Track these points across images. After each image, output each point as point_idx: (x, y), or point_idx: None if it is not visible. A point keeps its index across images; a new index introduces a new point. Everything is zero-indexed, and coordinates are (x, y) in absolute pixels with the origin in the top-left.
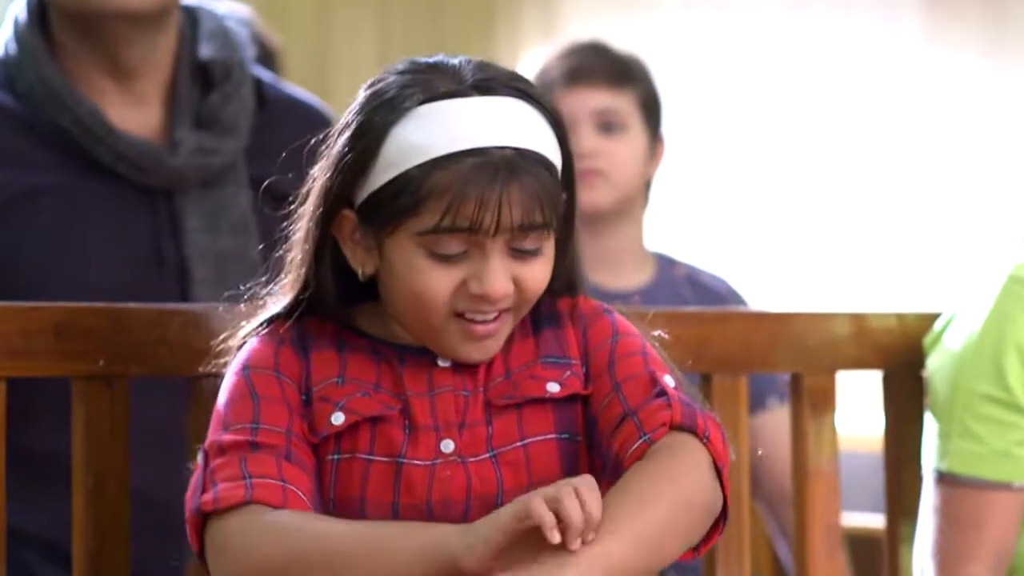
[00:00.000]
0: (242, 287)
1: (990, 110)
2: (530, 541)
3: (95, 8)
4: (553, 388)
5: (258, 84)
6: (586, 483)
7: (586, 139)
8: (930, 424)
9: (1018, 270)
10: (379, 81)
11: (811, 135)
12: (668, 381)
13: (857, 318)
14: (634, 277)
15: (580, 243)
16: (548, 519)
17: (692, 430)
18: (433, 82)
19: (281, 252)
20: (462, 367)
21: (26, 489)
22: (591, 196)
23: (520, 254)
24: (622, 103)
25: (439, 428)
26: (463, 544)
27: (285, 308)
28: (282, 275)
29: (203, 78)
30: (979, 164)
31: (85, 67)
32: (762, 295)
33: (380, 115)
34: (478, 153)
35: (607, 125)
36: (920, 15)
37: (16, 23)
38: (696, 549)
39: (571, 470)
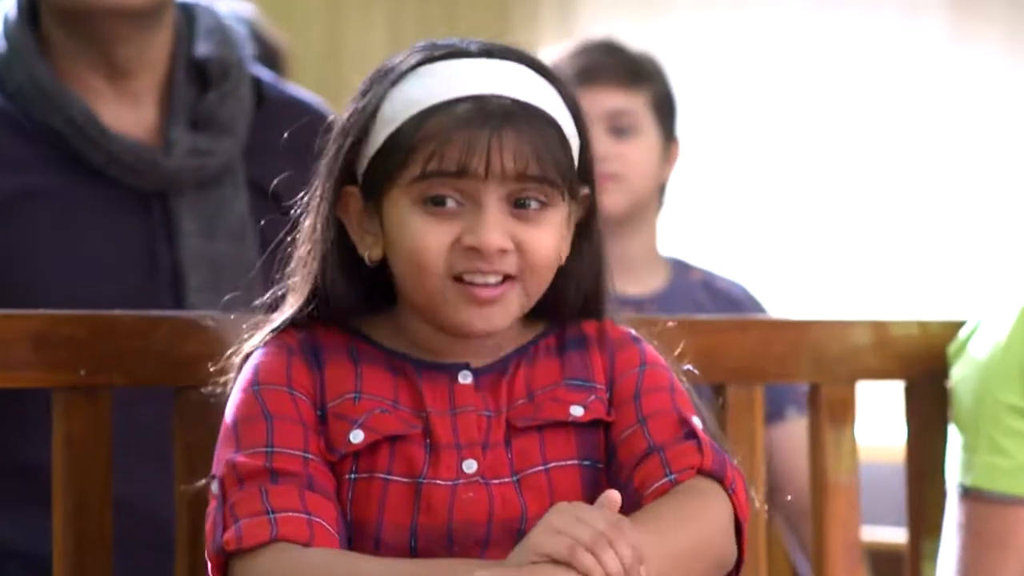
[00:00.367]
0: (239, 294)
1: (1016, 111)
2: None
3: (87, 4)
4: (576, 412)
5: (257, 83)
6: (618, 528)
7: (598, 141)
8: (954, 437)
9: None
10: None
11: (830, 136)
12: (697, 423)
13: (878, 326)
14: (648, 283)
15: (607, 255)
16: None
17: (720, 479)
18: (436, 47)
19: (283, 256)
20: (484, 383)
21: (10, 502)
22: (603, 200)
23: (521, 211)
24: (635, 104)
25: (461, 447)
26: None
27: (295, 312)
28: (287, 279)
29: (200, 77)
30: (1004, 166)
31: (77, 66)
32: (779, 302)
33: (379, 82)
34: (474, 100)
35: (620, 127)
36: (943, 14)
37: (6, 20)
38: None
39: (593, 498)
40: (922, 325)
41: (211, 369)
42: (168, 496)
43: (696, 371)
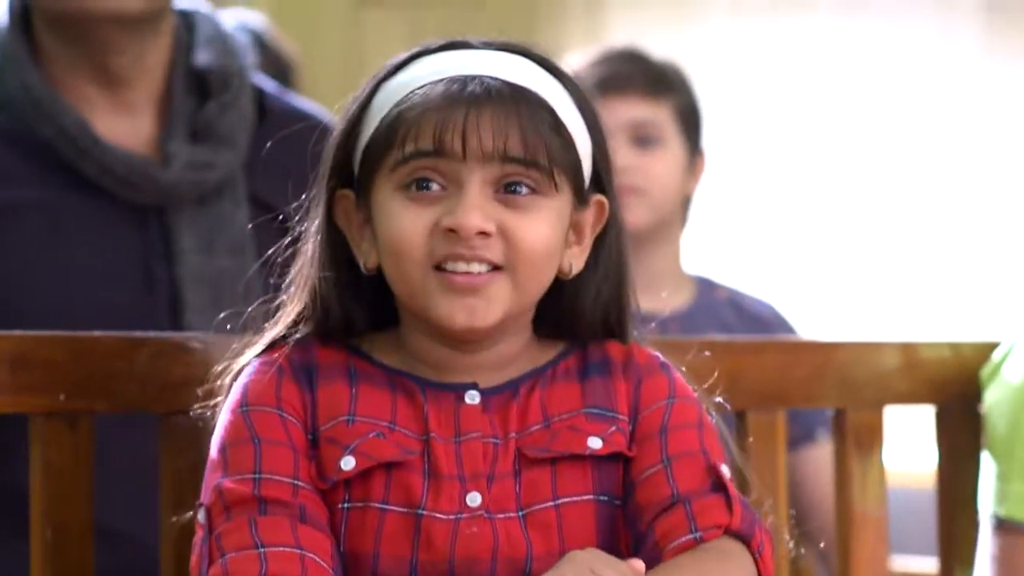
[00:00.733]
0: (232, 312)
1: None
2: None
3: (79, 10)
4: (595, 444)
5: (259, 94)
6: None
7: (620, 153)
8: (987, 465)
9: None
10: None
11: (862, 151)
12: (725, 472)
13: (907, 348)
14: (672, 300)
15: (631, 270)
16: None
17: (747, 540)
18: (437, 42)
19: (281, 271)
20: (492, 405)
21: None
22: (626, 215)
23: (509, 197)
24: (658, 114)
25: (465, 479)
26: None
27: (287, 328)
28: (282, 292)
29: (199, 87)
30: None
31: (71, 75)
32: (804, 323)
33: (374, 78)
34: (457, 80)
35: (643, 138)
36: (978, 26)
37: None
38: None
39: (608, 536)
40: (953, 347)
41: (199, 392)
42: (156, 522)
43: (727, 405)
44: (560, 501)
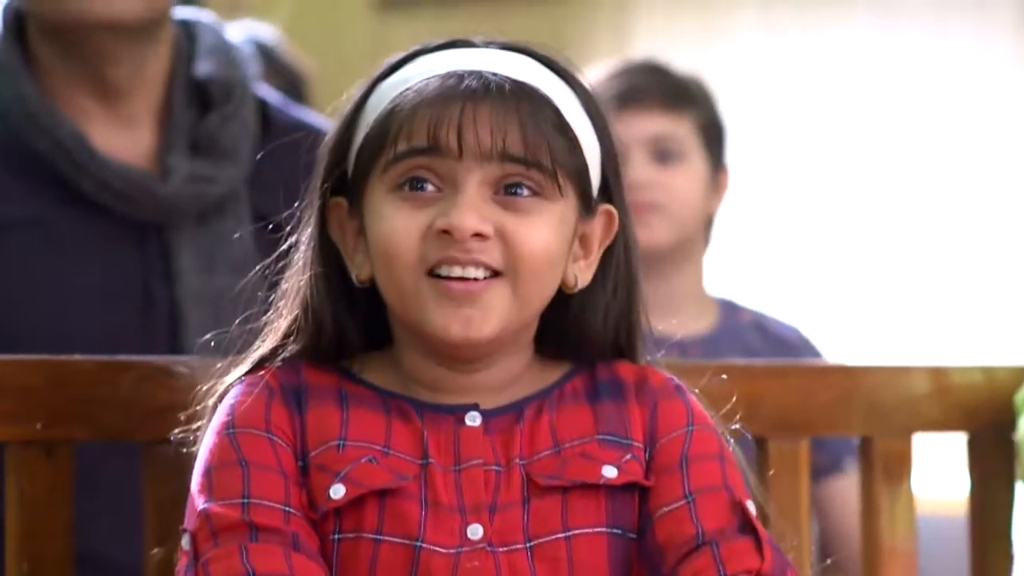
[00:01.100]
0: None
1: None
2: None
3: (74, 18)
4: (609, 473)
5: (262, 106)
6: None
7: (639, 168)
8: (1022, 495)
9: None
10: None
11: (894, 167)
12: (751, 508)
13: (937, 373)
14: (694, 323)
15: (642, 287)
16: None
17: None
18: (434, 41)
19: (270, 287)
20: (495, 428)
21: None
22: (645, 233)
23: (509, 199)
24: (679, 128)
25: (465, 510)
26: None
27: (277, 345)
28: (272, 309)
29: (200, 98)
30: None
31: (66, 86)
32: (830, 346)
33: (369, 79)
34: (455, 75)
35: (663, 153)
36: (1014, 38)
37: None
38: None
39: (621, 572)
40: (986, 371)
41: (181, 416)
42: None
43: (748, 434)
44: (571, 533)
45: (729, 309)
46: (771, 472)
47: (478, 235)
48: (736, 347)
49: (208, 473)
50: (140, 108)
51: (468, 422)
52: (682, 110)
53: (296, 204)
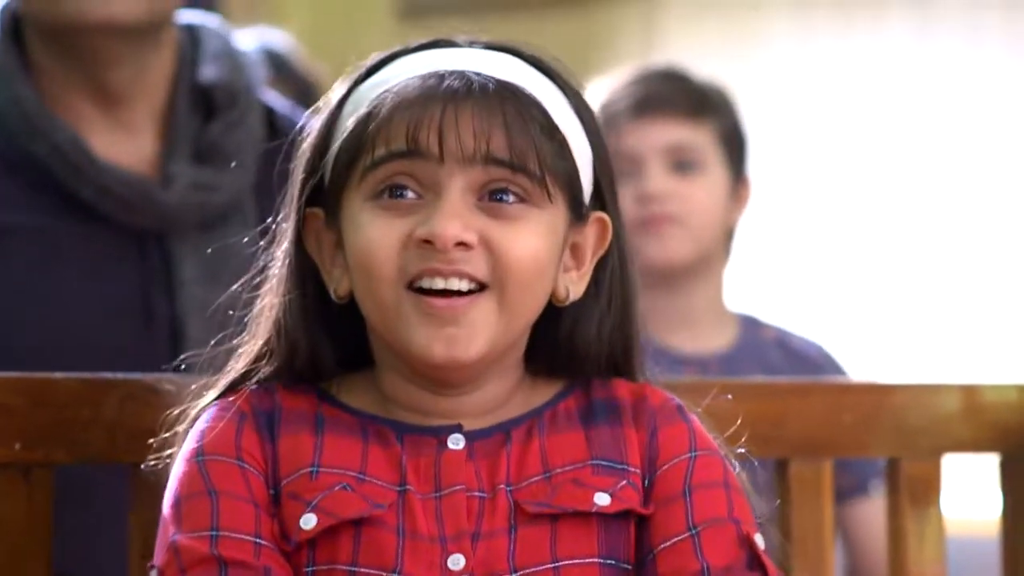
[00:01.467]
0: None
1: None
2: None
3: (71, 19)
4: (602, 500)
5: (269, 112)
6: None
7: (656, 178)
8: None
9: None
10: None
11: (925, 177)
12: (759, 542)
13: (968, 391)
14: (714, 340)
15: (639, 296)
16: None
17: None
18: (415, 41)
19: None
20: (479, 451)
21: None
22: (663, 247)
23: (494, 206)
24: (699, 137)
25: (446, 540)
26: None
27: (248, 367)
28: (248, 327)
29: (204, 104)
30: None
31: (65, 91)
32: (855, 363)
33: (346, 82)
34: (436, 75)
35: (682, 163)
36: None
37: None
38: None
39: None
40: (1020, 389)
41: (151, 442)
42: None
43: (751, 456)
44: (560, 563)
45: (751, 325)
46: (793, 495)
47: (461, 244)
48: (757, 364)
49: (177, 504)
50: (141, 113)
51: (451, 445)
52: (702, 118)
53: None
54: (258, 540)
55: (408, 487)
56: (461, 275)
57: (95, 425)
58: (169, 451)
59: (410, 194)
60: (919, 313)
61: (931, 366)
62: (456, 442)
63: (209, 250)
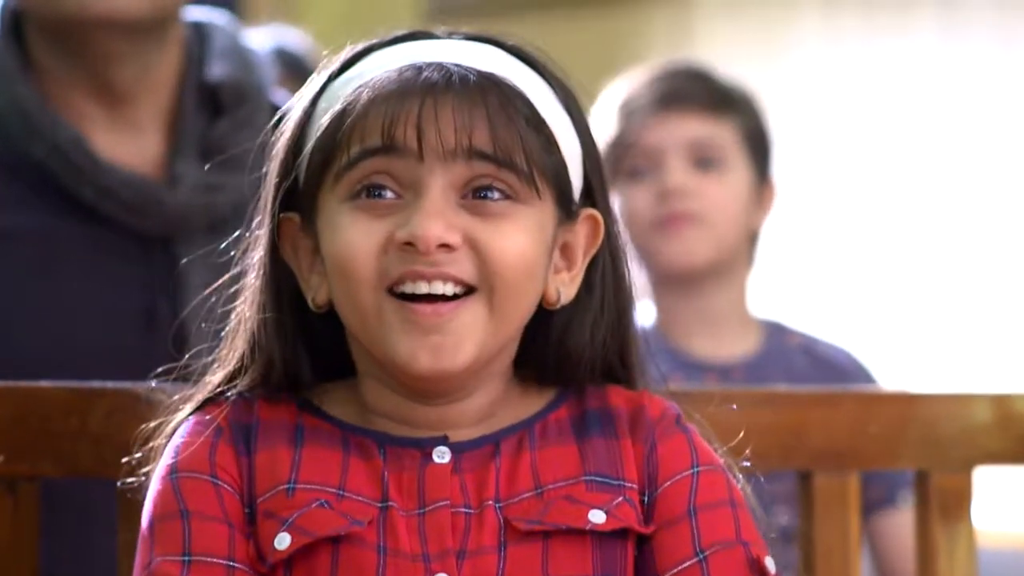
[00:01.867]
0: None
1: None
2: None
3: (74, 15)
4: (597, 518)
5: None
6: None
7: (676, 174)
8: None
9: None
10: None
11: (956, 184)
12: (770, 566)
13: (1000, 401)
14: (737, 345)
15: (634, 300)
16: None
17: None
18: (392, 33)
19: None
20: (466, 465)
21: None
22: (683, 248)
23: (478, 203)
24: (721, 133)
25: (430, 558)
26: None
27: (224, 379)
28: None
29: (212, 103)
30: None
31: (68, 89)
32: (883, 372)
33: (320, 79)
34: (412, 67)
35: (703, 160)
36: None
37: None
38: None
39: None
40: None
41: (124, 461)
42: None
43: (755, 469)
44: None
45: (775, 331)
46: (817, 509)
47: (444, 246)
48: (782, 371)
49: (151, 525)
50: (146, 113)
51: (436, 458)
52: (724, 115)
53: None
54: (231, 563)
55: (390, 503)
56: (445, 278)
57: (82, 436)
58: (146, 468)
59: (389, 194)
60: (948, 321)
61: (961, 375)
62: (441, 455)
63: (216, 254)
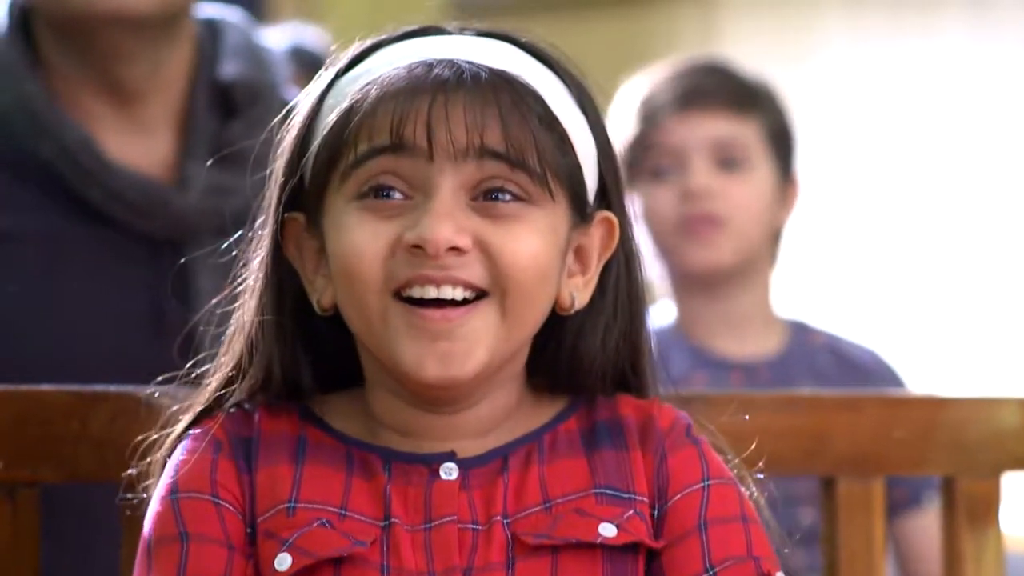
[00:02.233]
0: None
1: None
2: None
3: (83, 12)
4: (607, 531)
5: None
6: None
7: (699, 174)
8: None
9: None
10: None
11: (982, 184)
12: None
13: None
14: (761, 344)
15: (647, 306)
16: None
17: None
18: (402, 29)
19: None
20: (474, 481)
21: None
22: (705, 251)
23: (489, 205)
24: (745, 132)
25: (436, 575)
26: None
27: (220, 390)
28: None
29: (224, 103)
30: None
31: (76, 88)
32: (910, 375)
33: (327, 75)
34: (422, 63)
35: (726, 160)
36: None
37: None
38: None
39: None
40: None
41: (128, 473)
42: None
43: (769, 482)
44: None
45: (800, 331)
46: (840, 515)
47: (454, 249)
48: (806, 371)
49: (149, 548)
50: (157, 112)
51: (443, 475)
52: (748, 113)
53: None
54: None
55: (394, 520)
56: (455, 282)
57: (83, 441)
58: (146, 481)
59: (397, 194)
60: (976, 322)
61: (990, 378)
62: (448, 472)
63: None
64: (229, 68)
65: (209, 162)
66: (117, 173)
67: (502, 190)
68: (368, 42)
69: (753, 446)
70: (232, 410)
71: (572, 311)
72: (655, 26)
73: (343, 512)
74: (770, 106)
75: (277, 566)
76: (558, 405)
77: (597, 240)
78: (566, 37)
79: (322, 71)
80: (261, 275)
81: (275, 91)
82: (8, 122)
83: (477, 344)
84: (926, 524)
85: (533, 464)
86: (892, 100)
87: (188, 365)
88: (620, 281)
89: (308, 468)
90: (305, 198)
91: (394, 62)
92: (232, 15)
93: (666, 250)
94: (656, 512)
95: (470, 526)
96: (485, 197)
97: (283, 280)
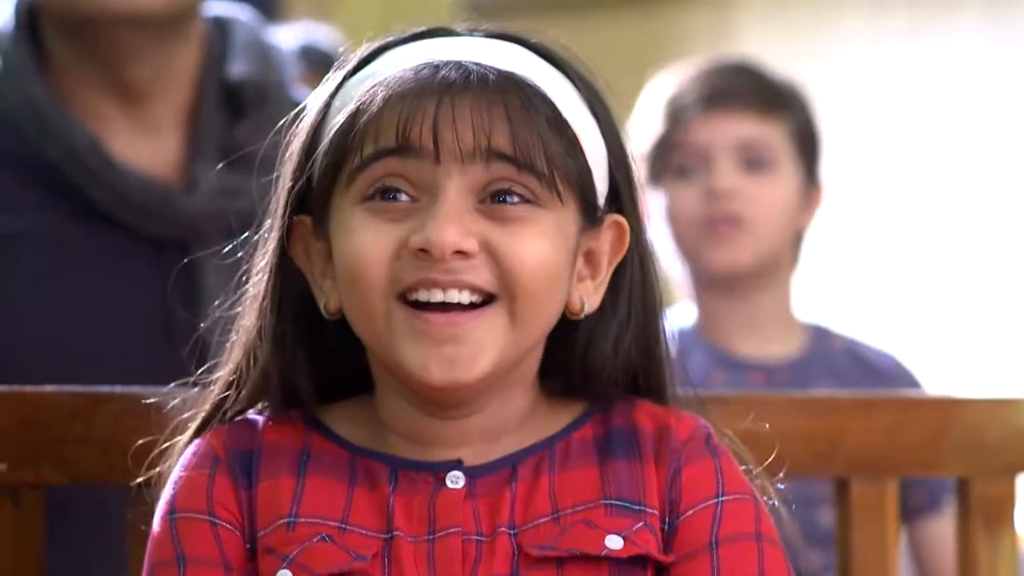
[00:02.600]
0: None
1: None
2: None
3: (90, 10)
4: (614, 544)
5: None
6: None
7: (724, 175)
8: None
9: None
10: None
11: (1000, 185)
12: None
13: None
14: (781, 347)
15: (662, 309)
16: None
17: None
18: (410, 30)
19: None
20: (482, 490)
21: None
22: (727, 253)
23: (497, 208)
24: (771, 134)
25: None
26: None
27: (220, 399)
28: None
29: (232, 103)
30: None
31: (83, 88)
32: (925, 375)
33: (335, 77)
34: (429, 65)
35: (752, 161)
36: None
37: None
38: None
39: None
40: None
41: (136, 484)
42: None
43: (785, 490)
44: None
45: (820, 334)
46: (853, 518)
47: (460, 252)
48: (826, 373)
49: (150, 572)
50: (164, 112)
51: (449, 484)
52: (774, 114)
53: None
54: None
55: (396, 532)
56: (461, 286)
57: (87, 443)
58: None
59: (403, 197)
60: (992, 323)
61: (1004, 378)
62: (455, 480)
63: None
64: (238, 68)
65: (220, 165)
66: (124, 174)
67: (509, 192)
68: (376, 43)
69: (774, 453)
70: (237, 420)
71: (582, 315)
72: (669, 26)
73: (344, 526)
74: (798, 108)
75: None
76: (574, 411)
77: (607, 244)
78: (578, 37)
79: (330, 73)
80: (265, 279)
81: (284, 91)
82: (14, 122)
83: (484, 348)
84: (945, 528)
85: (543, 473)
86: (909, 101)
87: (196, 368)
88: (634, 284)
89: (310, 480)
90: (312, 200)
91: (401, 64)
92: (242, 13)
93: (688, 250)
94: (667, 526)
95: (474, 537)
96: (492, 200)
97: (286, 283)
